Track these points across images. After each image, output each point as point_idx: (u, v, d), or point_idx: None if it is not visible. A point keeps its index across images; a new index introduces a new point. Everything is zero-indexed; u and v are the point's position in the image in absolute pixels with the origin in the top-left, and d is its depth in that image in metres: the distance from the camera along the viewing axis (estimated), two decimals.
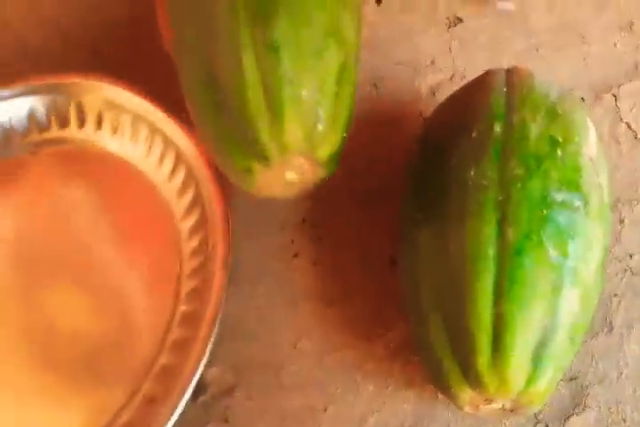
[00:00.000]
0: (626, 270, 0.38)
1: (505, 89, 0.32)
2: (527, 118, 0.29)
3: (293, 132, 0.26)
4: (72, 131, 0.43)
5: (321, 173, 0.30)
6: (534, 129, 0.29)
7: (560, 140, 0.29)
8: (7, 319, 0.38)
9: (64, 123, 0.43)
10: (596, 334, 0.37)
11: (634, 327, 0.37)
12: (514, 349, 0.25)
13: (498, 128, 0.29)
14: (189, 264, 0.37)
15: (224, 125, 0.27)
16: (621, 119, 0.46)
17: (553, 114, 0.30)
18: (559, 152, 0.29)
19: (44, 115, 0.43)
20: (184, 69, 0.30)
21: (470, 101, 0.32)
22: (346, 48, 0.29)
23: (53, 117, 0.43)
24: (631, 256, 0.39)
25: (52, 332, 0.37)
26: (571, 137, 0.30)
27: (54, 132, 0.43)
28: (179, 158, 0.40)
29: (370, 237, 0.40)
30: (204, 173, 0.38)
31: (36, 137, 0.43)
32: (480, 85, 0.34)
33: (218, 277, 0.35)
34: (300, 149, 0.27)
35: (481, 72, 0.40)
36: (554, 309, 0.26)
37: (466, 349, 0.26)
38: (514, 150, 0.28)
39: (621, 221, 0.41)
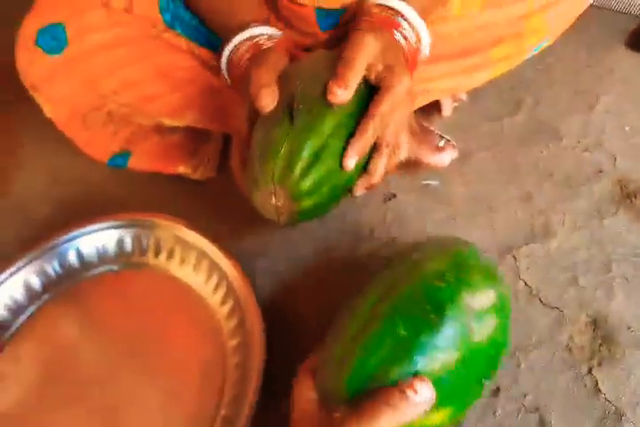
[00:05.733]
0: (520, 409, 0.49)
1: None
2: None
3: (271, 176, 0.43)
4: (149, 258, 0.58)
5: (289, 207, 0.45)
6: None
7: None
8: (86, 396, 0.49)
9: (144, 252, 0.58)
10: None
11: None
12: None
13: None
14: (233, 374, 0.48)
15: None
16: (519, 277, 0.59)
17: None
18: None
19: (129, 244, 0.58)
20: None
21: None
22: (320, 144, 0.44)
23: (137, 246, 0.58)
24: (525, 396, 0.50)
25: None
26: None
27: (135, 258, 0.58)
28: (229, 287, 0.53)
29: None
30: (248, 299, 0.51)
31: (121, 260, 0.58)
32: None
33: (253, 383, 0.45)
34: (274, 183, 0.43)
35: (410, 239, 0.52)
36: None
37: None
38: None
39: (518, 366, 0.52)
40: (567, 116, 0.75)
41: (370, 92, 0.47)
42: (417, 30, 0.48)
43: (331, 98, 0.43)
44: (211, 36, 0.59)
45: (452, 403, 0.37)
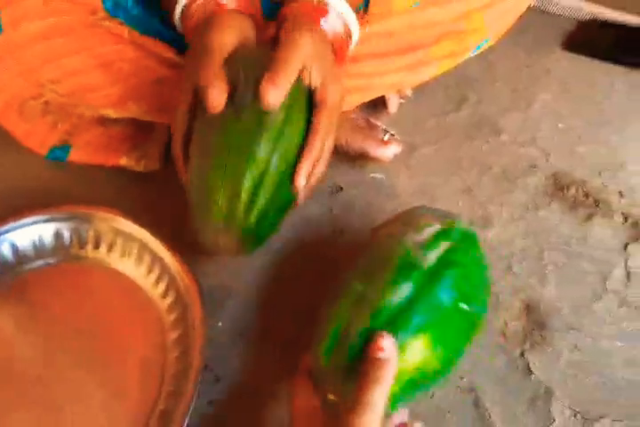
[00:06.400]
0: (457, 390, 0.50)
1: None
2: None
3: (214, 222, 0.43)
4: (88, 251, 0.56)
5: (238, 244, 0.45)
6: None
7: None
8: (25, 394, 0.47)
9: (83, 244, 0.56)
10: None
11: None
12: None
13: None
14: (172, 368, 0.48)
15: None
16: None
17: None
18: None
19: (68, 237, 0.56)
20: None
21: None
22: (258, 174, 0.43)
23: (75, 239, 0.56)
24: (461, 378, 0.51)
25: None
26: None
27: (74, 251, 0.56)
28: (171, 280, 0.52)
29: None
30: (190, 291, 0.50)
31: (59, 253, 0.56)
32: None
33: (192, 377, 0.45)
34: (219, 226, 0.43)
35: (359, 233, 0.54)
36: None
37: None
38: None
39: None
40: (506, 113, 0.78)
41: (304, 101, 0.47)
42: (346, 22, 0.49)
43: (263, 97, 0.42)
44: (156, 25, 0.58)
45: (426, 330, 0.40)
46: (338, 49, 0.50)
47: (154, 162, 0.67)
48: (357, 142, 0.67)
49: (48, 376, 0.49)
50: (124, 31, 0.57)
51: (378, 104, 0.76)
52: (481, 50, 0.65)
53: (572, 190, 0.67)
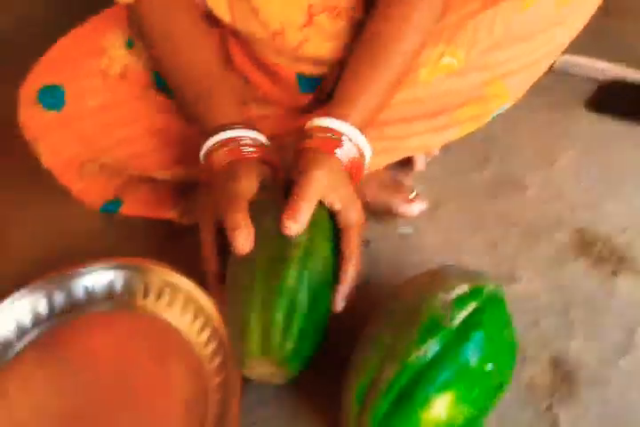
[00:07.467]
0: None
1: None
2: None
3: (253, 353, 0.44)
4: (137, 300, 0.61)
5: (281, 371, 0.45)
6: None
7: None
8: None
9: (133, 293, 0.61)
10: None
11: None
12: None
13: None
14: (213, 412, 0.50)
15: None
16: None
17: None
18: None
19: (119, 286, 0.61)
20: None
21: None
22: (289, 302, 0.44)
23: (126, 289, 0.61)
24: None
25: None
26: None
27: (125, 300, 0.61)
28: (213, 329, 0.55)
29: None
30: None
31: (110, 302, 0.61)
32: None
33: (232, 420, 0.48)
34: (257, 357, 0.44)
35: (386, 286, 0.57)
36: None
37: None
38: None
39: None
40: (530, 170, 0.81)
41: (326, 221, 0.49)
42: (358, 145, 0.52)
43: (285, 231, 0.45)
44: None
45: (451, 387, 0.42)
46: (354, 170, 0.53)
47: (196, 215, 0.73)
48: (383, 199, 0.71)
49: (92, 418, 0.52)
50: (170, 104, 0.64)
51: (406, 163, 0.81)
52: (502, 111, 0.69)
53: (597, 247, 0.69)
